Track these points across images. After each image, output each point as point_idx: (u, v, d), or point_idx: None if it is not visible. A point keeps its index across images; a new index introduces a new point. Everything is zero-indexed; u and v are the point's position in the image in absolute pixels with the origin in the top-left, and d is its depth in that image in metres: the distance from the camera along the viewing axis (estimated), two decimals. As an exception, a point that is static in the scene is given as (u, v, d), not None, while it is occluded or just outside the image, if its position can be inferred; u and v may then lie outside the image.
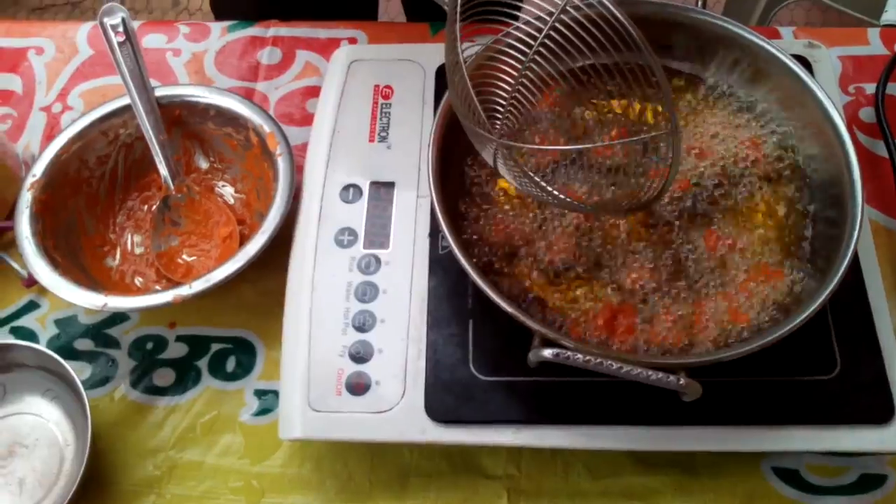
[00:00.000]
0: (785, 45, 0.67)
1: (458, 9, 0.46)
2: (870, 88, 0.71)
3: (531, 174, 0.46)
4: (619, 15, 0.40)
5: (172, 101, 0.68)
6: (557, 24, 0.41)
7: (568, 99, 0.47)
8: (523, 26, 0.44)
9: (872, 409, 0.53)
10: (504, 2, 0.45)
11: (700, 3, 0.59)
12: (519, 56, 0.43)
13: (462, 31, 0.47)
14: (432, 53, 0.68)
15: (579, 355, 0.45)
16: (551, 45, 0.41)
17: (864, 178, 0.66)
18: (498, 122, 0.46)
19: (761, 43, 0.58)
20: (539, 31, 0.42)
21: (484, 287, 0.50)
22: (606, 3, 0.40)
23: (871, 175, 0.67)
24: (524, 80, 0.43)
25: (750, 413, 0.54)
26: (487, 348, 0.56)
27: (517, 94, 0.43)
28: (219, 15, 0.94)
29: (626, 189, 0.46)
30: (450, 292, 0.58)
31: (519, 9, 0.47)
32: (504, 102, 0.44)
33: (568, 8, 0.41)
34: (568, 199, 0.47)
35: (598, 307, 0.54)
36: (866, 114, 0.70)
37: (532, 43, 0.42)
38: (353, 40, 0.75)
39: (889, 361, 0.54)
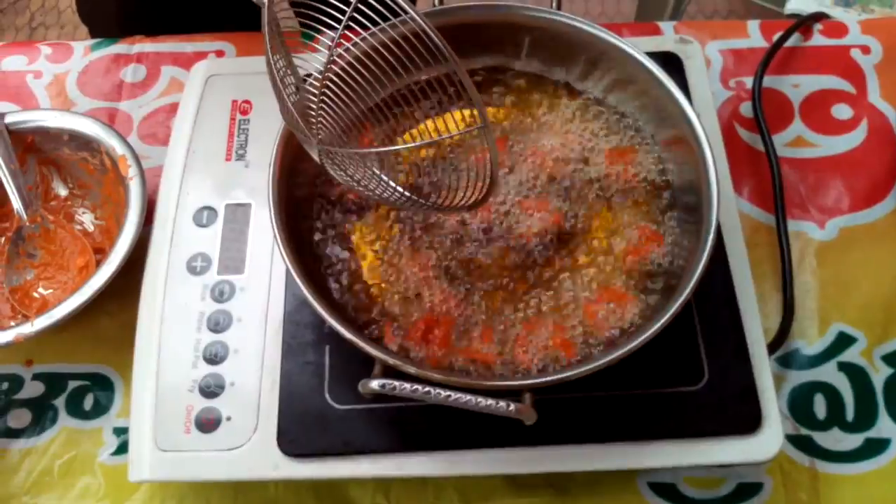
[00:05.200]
0: (657, 43, 0.65)
1: (272, 16, 0.43)
2: (750, 82, 0.69)
3: (351, 176, 0.44)
4: (417, 18, 0.37)
5: (23, 128, 0.64)
6: (348, 28, 0.38)
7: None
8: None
9: (740, 419, 0.51)
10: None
11: (555, 4, 0.56)
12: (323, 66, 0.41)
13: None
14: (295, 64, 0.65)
15: (406, 385, 0.43)
16: (351, 59, 0.39)
17: (743, 175, 0.65)
18: (322, 125, 0.43)
19: (616, 42, 0.55)
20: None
21: (319, 309, 0.47)
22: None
23: (752, 172, 0.65)
24: (328, 89, 0.41)
25: (617, 429, 0.51)
26: (343, 375, 0.53)
27: (324, 104, 0.41)
28: (89, 25, 0.90)
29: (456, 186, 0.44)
30: (306, 318, 0.55)
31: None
32: (315, 108, 0.42)
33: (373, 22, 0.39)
34: (397, 196, 0.45)
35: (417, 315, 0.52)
36: (747, 108, 0.68)
37: (332, 45, 0.40)
38: (220, 53, 0.72)
39: (757, 369, 0.52)
